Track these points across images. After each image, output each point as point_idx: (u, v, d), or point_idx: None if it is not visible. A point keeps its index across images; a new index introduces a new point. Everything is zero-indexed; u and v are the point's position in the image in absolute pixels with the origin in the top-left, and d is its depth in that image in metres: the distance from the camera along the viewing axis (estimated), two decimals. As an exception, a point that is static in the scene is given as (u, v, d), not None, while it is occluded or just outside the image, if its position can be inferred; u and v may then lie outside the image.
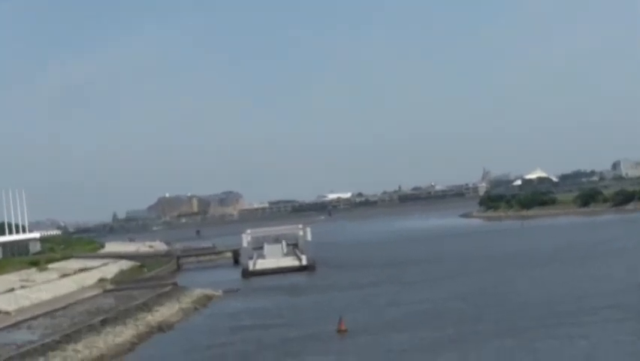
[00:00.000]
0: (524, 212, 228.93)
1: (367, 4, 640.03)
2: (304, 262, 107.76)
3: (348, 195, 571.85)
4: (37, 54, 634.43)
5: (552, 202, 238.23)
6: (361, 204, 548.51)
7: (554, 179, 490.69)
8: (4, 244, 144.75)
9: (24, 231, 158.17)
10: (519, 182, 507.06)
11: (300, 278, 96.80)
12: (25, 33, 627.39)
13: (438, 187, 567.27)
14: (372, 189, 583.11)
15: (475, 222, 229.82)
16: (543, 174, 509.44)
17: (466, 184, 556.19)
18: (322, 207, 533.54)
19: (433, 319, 56.12)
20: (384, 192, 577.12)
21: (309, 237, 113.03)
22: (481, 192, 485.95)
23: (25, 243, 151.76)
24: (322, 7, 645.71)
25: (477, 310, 58.19)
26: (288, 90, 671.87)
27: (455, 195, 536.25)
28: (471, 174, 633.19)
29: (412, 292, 72.35)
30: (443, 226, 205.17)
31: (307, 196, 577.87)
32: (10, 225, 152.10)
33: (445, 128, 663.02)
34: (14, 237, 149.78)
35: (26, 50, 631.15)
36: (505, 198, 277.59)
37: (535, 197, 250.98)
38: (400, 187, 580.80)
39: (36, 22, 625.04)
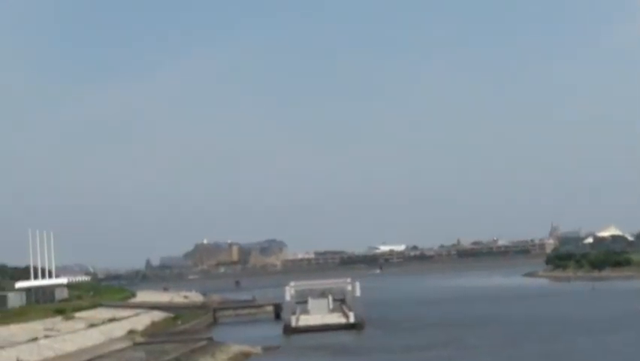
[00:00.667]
0: (595, 273, 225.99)
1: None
2: (352, 320, 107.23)
3: (401, 247, 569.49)
4: (66, 85, 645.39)
5: (627, 263, 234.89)
6: (416, 258, 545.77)
7: (630, 237, 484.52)
8: (29, 290, 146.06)
9: (50, 276, 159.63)
10: (590, 240, 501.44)
11: (346, 338, 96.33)
12: (55, 63, 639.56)
13: (500, 242, 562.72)
14: (429, 242, 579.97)
15: (540, 282, 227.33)
16: (617, 232, 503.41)
17: (532, 240, 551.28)
18: (373, 260, 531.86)
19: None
20: (442, 246, 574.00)
21: (357, 292, 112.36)
22: (549, 249, 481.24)
23: (51, 289, 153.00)
24: (370, 37, 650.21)
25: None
26: (337, 132, 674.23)
27: (519, 251, 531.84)
28: (537, 229, 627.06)
29: (467, 358, 71.55)
30: (506, 286, 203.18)
31: (357, 247, 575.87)
32: (35, 269, 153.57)
33: (511, 176, 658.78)
34: (40, 282, 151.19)
35: (57, 81, 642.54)
36: (574, 257, 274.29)
37: (608, 257, 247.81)
38: (458, 241, 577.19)
39: (66, 52, 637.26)
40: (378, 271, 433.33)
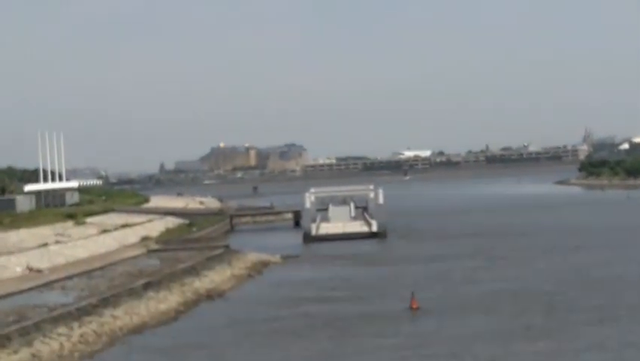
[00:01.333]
0: (631, 181, 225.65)
1: None
2: (374, 229, 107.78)
3: (427, 153, 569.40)
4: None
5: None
6: (442, 165, 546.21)
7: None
8: (39, 193, 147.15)
9: (60, 179, 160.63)
10: (626, 145, 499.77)
11: (368, 247, 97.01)
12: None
13: (531, 148, 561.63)
14: (456, 147, 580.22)
15: (573, 190, 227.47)
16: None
17: (565, 146, 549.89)
18: (397, 167, 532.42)
19: (516, 302, 55.68)
20: (470, 152, 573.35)
21: (381, 200, 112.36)
22: (582, 155, 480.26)
23: (61, 193, 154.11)
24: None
25: (568, 294, 57.64)
26: (360, 29, 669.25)
27: (551, 158, 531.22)
28: (571, 134, 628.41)
29: (496, 270, 72.00)
30: (536, 194, 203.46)
31: (380, 153, 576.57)
32: (45, 172, 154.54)
33: (541, 79, 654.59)
34: (49, 185, 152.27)
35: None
36: (609, 164, 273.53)
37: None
38: (487, 147, 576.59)
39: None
40: (407, 177, 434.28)
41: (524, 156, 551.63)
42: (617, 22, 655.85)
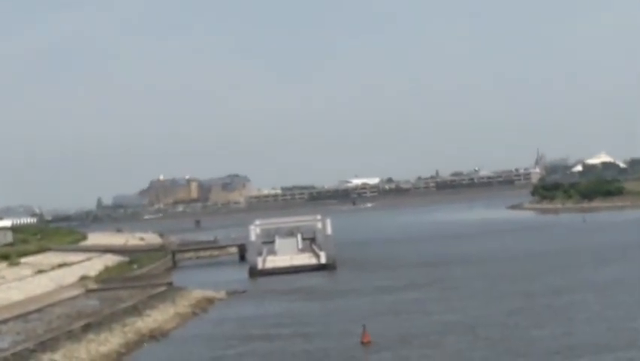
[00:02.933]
0: (585, 204, 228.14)
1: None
2: (323, 260, 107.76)
3: (375, 180, 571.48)
4: (11, 12, 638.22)
5: (619, 192, 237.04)
6: (391, 192, 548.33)
7: (622, 165, 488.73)
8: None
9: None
10: (579, 168, 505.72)
11: (317, 279, 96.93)
12: None
13: (483, 173, 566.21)
14: (405, 174, 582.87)
15: (526, 215, 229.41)
16: (608, 159, 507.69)
17: (517, 169, 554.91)
18: (345, 195, 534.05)
19: (470, 333, 55.88)
20: (419, 178, 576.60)
21: (329, 230, 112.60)
22: (534, 179, 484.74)
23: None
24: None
25: (521, 324, 57.96)
26: (305, 57, 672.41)
27: (503, 182, 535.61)
28: (522, 157, 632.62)
29: (447, 300, 72.15)
30: (488, 220, 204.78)
31: (327, 182, 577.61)
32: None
33: (492, 102, 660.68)
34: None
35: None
36: (562, 186, 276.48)
37: (599, 186, 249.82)
38: (437, 172, 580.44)
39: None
40: (348, 206, 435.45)
41: (475, 180, 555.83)
42: (564, 44, 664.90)
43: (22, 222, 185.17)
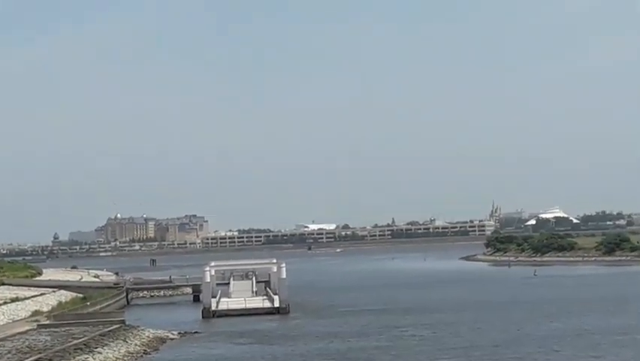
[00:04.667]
0: (537, 257, 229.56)
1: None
2: (276, 304, 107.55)
3: (332, 226, 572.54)
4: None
5: (571, 247, 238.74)
6: (347, 238, 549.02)
7: (574, 220, 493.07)
8: None
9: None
10: (533, 221, 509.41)
11: (270, 323, 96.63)
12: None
13: (438, 222, 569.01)
14: (361, 221, 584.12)
15: (479, 266, 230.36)
16: (562, 214, 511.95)
17: (471, 221, 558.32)
18: (301, 240, 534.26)
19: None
20: (375, 226, 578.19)
21: (283, 274, 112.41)
22: (489, 231, 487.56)
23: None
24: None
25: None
26: (264, 98, 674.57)
27: (458, 232, 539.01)
28: (478, 209, 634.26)
29: (398, 348, 72.28)
30: (441, 270, 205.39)
31: (284, 226, 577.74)
32: None
33: (450, 151, 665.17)
34: None
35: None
36: (516, 239, 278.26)
37: (552, 240, 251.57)
38: (393, 220, 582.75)
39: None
40: (308, 250, 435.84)
41: (431, 230, 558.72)
42: (516, 95, 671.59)
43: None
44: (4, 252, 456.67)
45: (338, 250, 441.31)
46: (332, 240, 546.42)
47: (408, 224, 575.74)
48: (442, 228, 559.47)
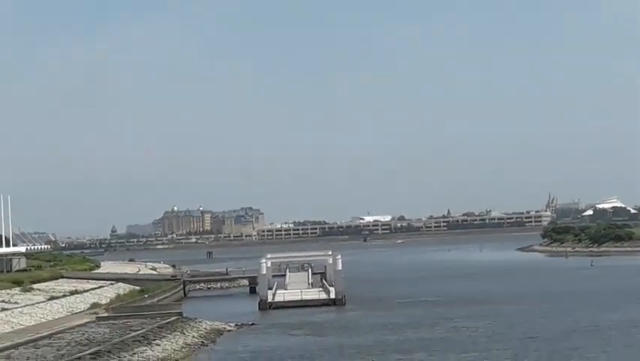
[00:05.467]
0: (595, 248, 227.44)
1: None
2: (332, 296, 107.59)
3: (387, 218, 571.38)
4: (28, 45, 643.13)
5: (629, 238, 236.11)
6: (403, 230, 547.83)
7: (632, 210, 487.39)
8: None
9: (7, 244, 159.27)
10: (590, 212, 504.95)
11: (326, 314, 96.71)
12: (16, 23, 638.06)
13: (494, 214, 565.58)
14: (417, 212, 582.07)
15: (535, 257, 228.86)
16: (619, 204, 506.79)
17: (528, 212, 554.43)
18: (356, 232, 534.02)
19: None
20: (431, 217, 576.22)
21: (339, 266, 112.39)
22: (545, 222, 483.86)
23: (7, 258, 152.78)
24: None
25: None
26: (318, 94, 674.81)
27: (514, 224, 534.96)
28: (534, 200, 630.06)
29: (454, 341, 72.02)
30: (498, 261, 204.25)
31: (339, 218, 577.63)
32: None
33: (505, 143, 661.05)
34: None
35: (16, 42, 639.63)
36: (573, 230, 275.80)
37: (609, 231, 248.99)
38: (448, 212, 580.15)
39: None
40: (364, 242, 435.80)
41: (487, 221, 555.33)
42: (575, 92, 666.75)
43: (36, 248, 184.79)
44: (63, 245, 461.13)
45: (399, 241, 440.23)
46: (387, 231, 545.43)
47: (464, 215, 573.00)
48: (498, 219, 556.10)
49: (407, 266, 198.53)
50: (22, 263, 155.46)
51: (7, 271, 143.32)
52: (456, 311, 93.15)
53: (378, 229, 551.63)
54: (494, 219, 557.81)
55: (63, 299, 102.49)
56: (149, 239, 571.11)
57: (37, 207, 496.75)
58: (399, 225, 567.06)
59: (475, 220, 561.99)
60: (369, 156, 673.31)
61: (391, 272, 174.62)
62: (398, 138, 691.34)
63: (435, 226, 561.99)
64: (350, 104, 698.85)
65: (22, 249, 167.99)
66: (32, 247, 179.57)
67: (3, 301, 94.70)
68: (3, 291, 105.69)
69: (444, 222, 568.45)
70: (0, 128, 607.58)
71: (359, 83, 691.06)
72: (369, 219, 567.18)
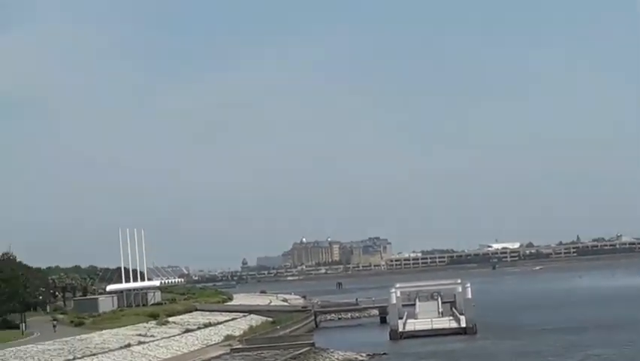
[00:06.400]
0: None
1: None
2: (463, 324, 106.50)
3: (516, 245, 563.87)
4: (157, 77, 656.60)
5: None
6: (532, 257, 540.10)
7: None
8: (121, 293, 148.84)
9: (142, 278, 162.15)
10: None
11: (458, 343, 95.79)
12: (151, 54, 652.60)
13: (624, 239, 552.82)
14: (545, 239, 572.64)
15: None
16: None
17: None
18: (485, 260, 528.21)
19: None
20: (560, 244, 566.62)
21: (469, 294, 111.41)
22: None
23: (143, 292, 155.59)
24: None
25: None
26: (443, 122, 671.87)
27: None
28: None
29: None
30: (632, 286, 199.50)
31: (467, 246, 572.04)
32: (127, 270, 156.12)
33: (633, 168, 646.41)
34: (131, 285, 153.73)
35: (149, 73, 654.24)
36: None
37: None
38: (578, 238, 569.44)
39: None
40: (492, 269, 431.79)
41: (617, 246, 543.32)
42: None
43: (170, 282, 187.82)
44: (196, 278, 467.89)
45: (537, 268, 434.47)
46: (516, 258, 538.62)
47: (593, 241, 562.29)
48: (629, 244, 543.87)
49: (537, 294, 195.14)
50: (157, 297, 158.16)
51: (143, 305, 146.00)
52: (588, 339, 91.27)
53: (506, 257, 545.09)
54: (625, 244, 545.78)
55: (198, 332, 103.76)
56: (279, 271, 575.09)
57: (170, 241, 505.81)
58: (527, 252, 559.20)
59: (606, 245, 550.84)
60: (495, 180, 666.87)
61: (521, 300, 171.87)
62: (523, 161, 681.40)
63: (564, 252, 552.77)
64: (471, 130, 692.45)
65: (156, 283, 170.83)
66: (166, 281, 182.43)
67: (140, 335, 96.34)
68: (140, 324, 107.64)
69: (573, 248, 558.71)
70: (128, 167, 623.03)
71: (483, 104, 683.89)
72: (497, 246, 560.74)
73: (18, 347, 79.89)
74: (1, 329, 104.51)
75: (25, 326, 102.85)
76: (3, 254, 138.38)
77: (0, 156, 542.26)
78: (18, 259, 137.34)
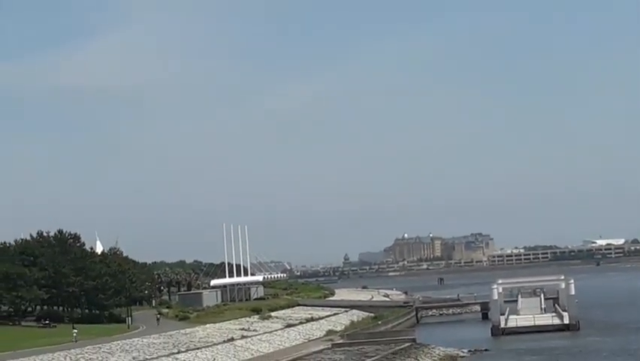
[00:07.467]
0: None
1: None
2: (566, 321, 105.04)
3: (620, 241, 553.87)
4: (256, 80, 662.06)
5: None
6: (636, 253, 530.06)
7: None
8: (224, 288, 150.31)
9: (245, 273, 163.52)
10: None
11: (561, 340, 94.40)
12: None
13: None
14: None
15: None
16: None
17: None
18: (588, 256, 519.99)
19: None
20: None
21: (572, 291, 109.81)
22: None
23: (246, 287, 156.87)
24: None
25: None
26: (543, 123, 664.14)
27: None
28: None
29: None
30: None
31: (570, 242, 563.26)
32: (230, 266, 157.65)
33: None
34: (234, 279, 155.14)
35: (253, 73, 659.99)
36: None
37: None
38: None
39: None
40: (596, 266, 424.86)
41: None
42: None
43: (272, 277, 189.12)
44: (298, 274, 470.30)
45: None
46: (621, 255, 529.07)
47: None
48: None
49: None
50: (260, 292, 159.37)
51: (246, 300, 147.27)
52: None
53: (611, 253, 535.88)
54: None
55: (299, 326, 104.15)
56: (381, 266, 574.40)
57: (273, 237, 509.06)
58: (633, 248, 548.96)
59: None
60: (598, 175, 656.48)
61: (626, 296, 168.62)
62: (624, 160, 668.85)
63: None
64: (572, 126, 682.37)
65: (259, 278, 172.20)
66: (269, 276, 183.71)
67: (243, 329, 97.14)
68: (243, 319, 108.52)
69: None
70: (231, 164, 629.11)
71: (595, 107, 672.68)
72: (601, 242, 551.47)
73: (124, 340, 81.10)
74: (108, 323, 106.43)
75: (131, 319, 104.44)
76: (110, 249, 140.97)
77: (113, 157, 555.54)
78: (124, 254, 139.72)
